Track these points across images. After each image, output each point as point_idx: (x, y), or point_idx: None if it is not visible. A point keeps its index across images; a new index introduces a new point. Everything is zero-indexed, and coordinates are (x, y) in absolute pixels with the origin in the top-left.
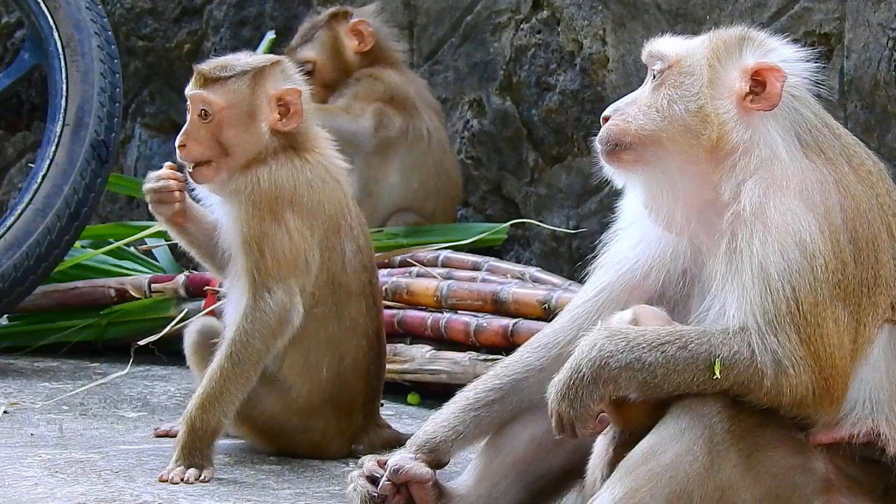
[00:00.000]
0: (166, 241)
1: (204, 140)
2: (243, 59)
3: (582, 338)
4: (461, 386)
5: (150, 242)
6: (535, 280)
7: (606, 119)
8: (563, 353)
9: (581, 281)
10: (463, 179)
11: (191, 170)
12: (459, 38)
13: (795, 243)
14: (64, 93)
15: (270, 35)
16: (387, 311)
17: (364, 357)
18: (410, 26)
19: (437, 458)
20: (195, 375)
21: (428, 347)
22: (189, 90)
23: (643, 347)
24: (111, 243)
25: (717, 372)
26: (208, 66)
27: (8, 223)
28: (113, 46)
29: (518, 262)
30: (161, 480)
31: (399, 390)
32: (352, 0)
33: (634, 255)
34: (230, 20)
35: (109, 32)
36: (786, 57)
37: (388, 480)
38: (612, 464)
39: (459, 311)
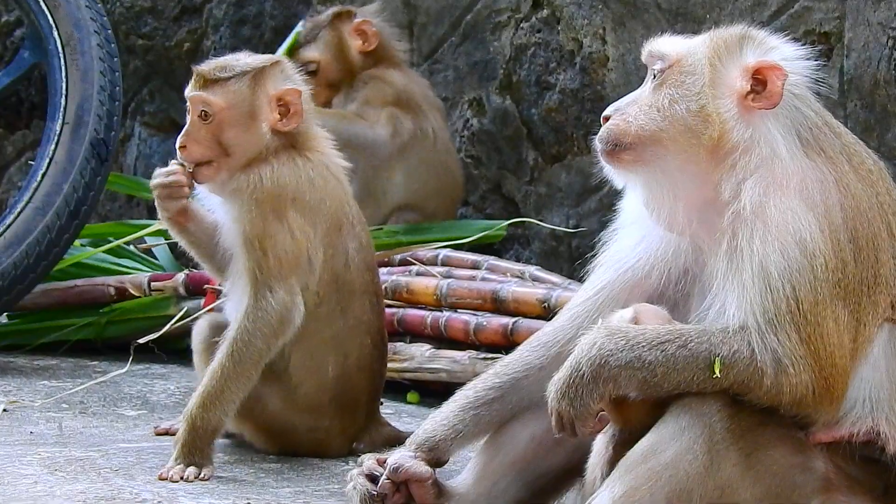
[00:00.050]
0: (166, 239)
1: (204, 141)
2: (243, 60)
3: (582, 336)
4: (461, 385)
5: (150, 241)
6: (535, 279)
7: (607, 118)
8: (563, 352)
9: (581, 280)
10: (463, 178)
11: (191, 170)
12: (459, 37)
13: (796, 242)
14: (64, 91)
15: (299, 27)
16: (386, 310)
17: (368, 355)
18: (410, 25)
19: (436, 456)
20: (198, 373)
21: (427, 346)
22: (189, 92)
23: (643, 346)
24: (111, 242)
25: (717, 371)
26: (208, 66)
27: (7, 221)
28: (112, 45)
29: (518, 260)
30: (161, 479)
31: (398, 389)
32: (352, 0)
33: (635, 254)
34: (230, 19)
35: (109, 31)
36: (786, 55)
37: (388, 479)
38: (612, 462)
39: (459, 310)
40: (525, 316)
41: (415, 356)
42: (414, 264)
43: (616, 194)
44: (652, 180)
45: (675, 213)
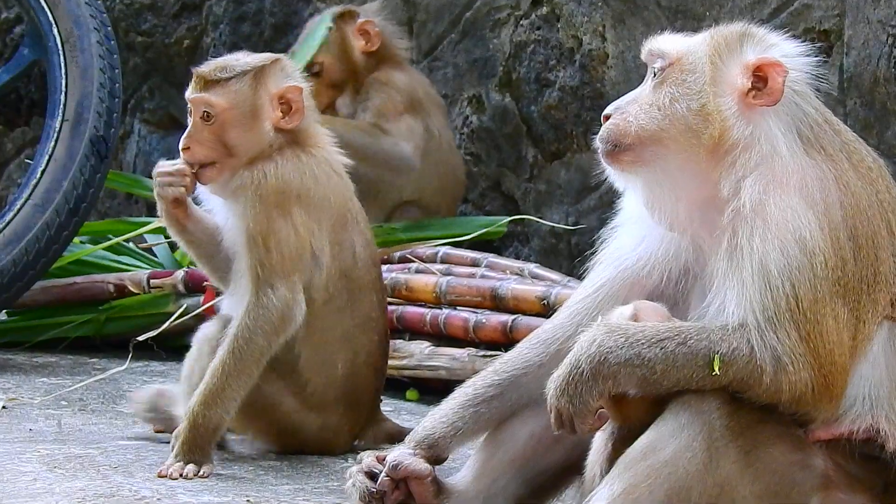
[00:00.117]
0: (165, 237)
1: (207, 142)
2: (242, 60)
3: (581, 334)
4: (460, 382)
5: (150, 238)
6: (535, 276)
7: (607, 117)
8: (563, 350)
9: (580, 277)
10: (465, 176)
11: (194, 171)
12: (459, 34)
13: (795, 240)
14: (63, 88)
15: (328, 24)
16: None
17: (375, 352)
18: (410, 22)
19: (436, 453)
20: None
21: (427, 343)
22: (189, 94)
23: (642, 343)
24: (110, 239)
25: (717, 368)
26: (207, 68)
27: (7, 218)
28: (112, 42)
29: (517, 258)
30: (160, 476)
31: (398, 386)
32: None
33: (635, 252)
34: (229, 16)
35: (109, 28)
36: (786, 52)
37: (387, 476)
38: (611, 460)
39: (458, 307)
40: (524, 313)
41: (414, 353)
42: (413, 261)
43: (616, 192)
44: (652, 180)
45: (676, 212)
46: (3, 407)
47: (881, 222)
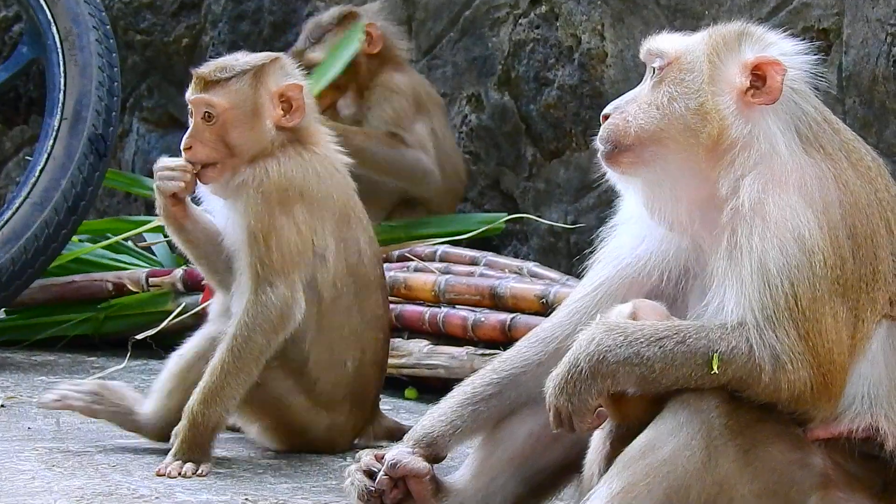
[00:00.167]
0: (164, 236)
1: (209, 142)
2: (241, 59)
3: (580, 332)
4: (459, 380)
5: (149, 237)
6: (533, 275)
7: (606, 117)
8: (561, 348)
9: (579, 276)
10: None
11: (196, 171)
12: (458, 32)
13: (794, 239)
14: (62, 87)
15: (359, 35)
16: None
17: (381, 350)
18: (409, 21)
19: (434, 452)
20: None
21: (425, 342)
22: (190, 95)
23: (641, 342)
24: (108, 237)
25: (715, 367)
26: (207, 68)
27: (5, 217)
28: (111, 40)
29: (516, 256)
30: (158, 475)
31: (396, 385)
32: None
33: (634, 251)
34: (228, 14)
35: (108, 26)
36: (785, 50)
37: (386, 475)
38: (610, 458)
39: (457, 306)
40: (523, 312)
41: (413, 352)
42: (412, 260)
43: (614, 190)
44: (652, 180)
45: (676, 212)
46: (2, 405)
47: (880, 221)
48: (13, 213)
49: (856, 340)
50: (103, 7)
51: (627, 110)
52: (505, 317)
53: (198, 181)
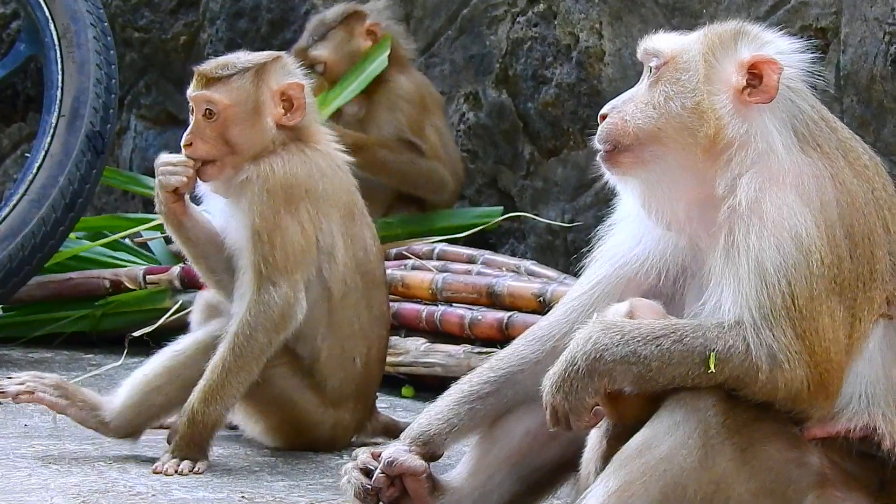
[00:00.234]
0: (161, 233)
1: (210, 139)
2: (243, 57)
3: (577, 331)
4: (456, 379)
5: (145, 235)
6: (531, 273)
7: (604, 117)
8: (559, 346)
9: (576, 274)
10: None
11: (196, 168)
12: (456, 30)
13: (791, 238)
14: (60, 84)
15: (386, 49)
16: None
17: (384, 346)
18: (407, 19)
19: (431, 450)
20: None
21: (423, 340)
22: (191, 92)
23: (638, 341)
24: (106, 235)
25: (712, 366)
26: (209, 66)
27: (3, 214)
28: (109, 37)
29: (513, 255)
30: (155, 472)
31: (393, 383)
32: None
33: (632, 250)
34: (226, 12)
35: (105, 23)
36: (781, 49)
37: (383, 473)
38: (606, 457)
39: (454, 304)
40: (520, 310)
41: (410, 350)
42: (410, 258)
43: (612, 189)
44: (651, 180)
45: (674, 212)
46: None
47: (877, 220)
48: (11, 210)
49: (853, 339)
50: (101, 4)
51: (625, 110)
52: (502, 315)
53: (198, 179)
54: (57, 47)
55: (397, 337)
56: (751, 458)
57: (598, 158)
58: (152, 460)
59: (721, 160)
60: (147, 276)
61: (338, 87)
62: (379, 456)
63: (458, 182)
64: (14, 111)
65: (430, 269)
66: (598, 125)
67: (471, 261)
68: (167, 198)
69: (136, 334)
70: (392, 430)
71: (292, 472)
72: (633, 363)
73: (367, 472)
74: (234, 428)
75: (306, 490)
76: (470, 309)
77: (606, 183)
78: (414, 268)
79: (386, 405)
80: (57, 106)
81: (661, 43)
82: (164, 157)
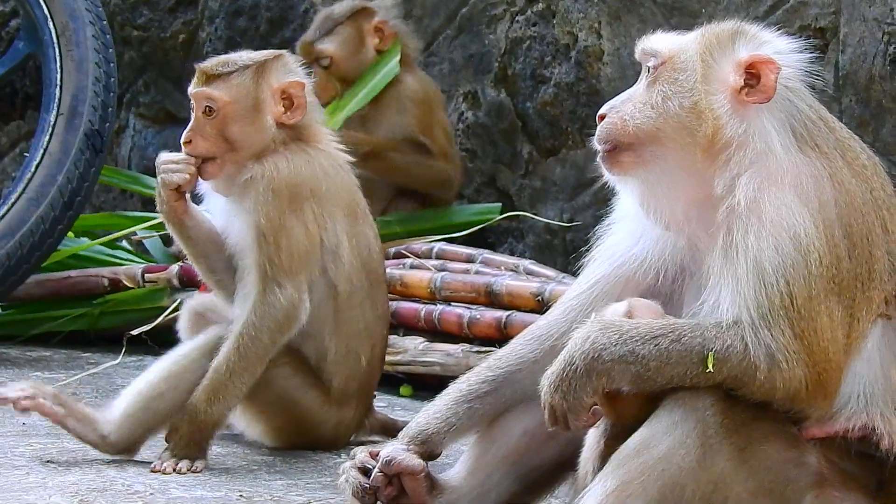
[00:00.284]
0: (159, 232)
1: (210, 136)
2: (244, 55)
3: (575, 330)
4: (454, 378)
5: (141, 234)
6: (529, 272)
7: (602, 117)
8: (557, 346)
9: (575, 274)
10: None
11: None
12: (455, 29)
13: (790, 238)
14: (58, 82)
15: (397, 55)
16: None
17: (386, 345)
18: (406, 18)
19: (429, 449)
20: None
21: (421, 339)
22: (192, 89)
23: (636, 340)
24: (105, 233)
25: (711, 365)
26: (210, 63)
27: (2, 212)
28: (108, 36)
29: (512, 254)
30: (153, 471)
31: (392, 382)
32: None
33: (630, 249)
34: (225, 10)
35: (104, 22)
36: (779, 49)
37: (381, 472)
38: (604, 457)
39: (453, 303)
40: (519, 309)
41: (408, 349)
42: (408, 257)
43: (611, 188)
44: (650, 180)
45: (673, 211)
46: None
47: (875, 220)
48: (9, 209)
49: (851, 339)
50: (100, 2)
51: (624, 110)
52: (501, 314)
53: (199, 178)
54: (56, 45)
55: (396, 336)
56: (749, 458)
57: (597, 158)
58: (150, 459)
59: (720, 160)
60: (145, 275)
61: (349, 92)
62: (377, 455)
63: (460, 179)
64: (13, 109)
65: (428, 268)
66: (596, 125)
67: (469, 260)
68: (169, 196)
69: (134, 333)
70: (389, 429)
71: (290, 471)
72: (631, 363)
73: (366, 471)
74: (229, 427)
75: (304, 489)
76: (468, 308)
77: (605, 182)
78: (413, 267)
79: (384, 404)
80: (56, 104)
81: (658, 43)
82: (166, 156)
